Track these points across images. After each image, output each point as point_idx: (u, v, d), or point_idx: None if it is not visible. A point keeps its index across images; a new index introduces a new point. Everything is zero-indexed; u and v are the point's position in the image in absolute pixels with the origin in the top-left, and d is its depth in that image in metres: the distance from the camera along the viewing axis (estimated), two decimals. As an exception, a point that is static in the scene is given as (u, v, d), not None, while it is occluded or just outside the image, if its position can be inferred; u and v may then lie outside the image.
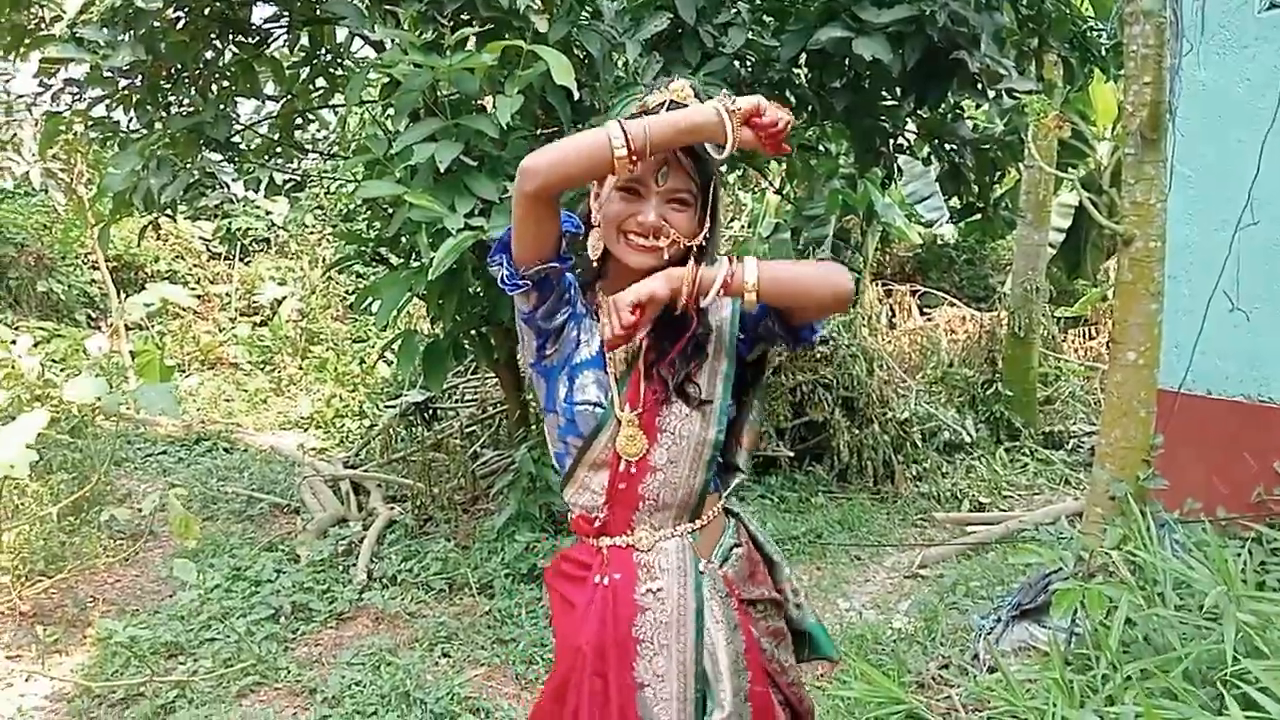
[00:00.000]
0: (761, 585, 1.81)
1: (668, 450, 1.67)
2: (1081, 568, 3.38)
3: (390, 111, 3.79)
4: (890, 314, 8.98)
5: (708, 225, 1.66)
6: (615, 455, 1.67)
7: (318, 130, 7.13)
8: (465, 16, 3.59)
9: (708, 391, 1.68)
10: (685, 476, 1.69)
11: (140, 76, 4.36)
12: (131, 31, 3.69)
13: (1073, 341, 9.42)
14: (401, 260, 4.67)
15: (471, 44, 3.46)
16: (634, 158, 1.49)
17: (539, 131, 4.00)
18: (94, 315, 10.68)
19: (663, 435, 1.67)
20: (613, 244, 1.63)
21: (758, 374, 1.81)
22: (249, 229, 11.98)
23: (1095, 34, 5.11)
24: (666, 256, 1.60)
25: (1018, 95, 4.51)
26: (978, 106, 5.26)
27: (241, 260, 11.92)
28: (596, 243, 1.66)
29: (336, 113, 6.50)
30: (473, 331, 4.62)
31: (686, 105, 1.59)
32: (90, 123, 4.52)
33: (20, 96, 7.87)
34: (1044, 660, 3.50)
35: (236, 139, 4.93)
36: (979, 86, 4.47)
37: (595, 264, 1.69)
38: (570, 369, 1.69)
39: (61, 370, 7.35)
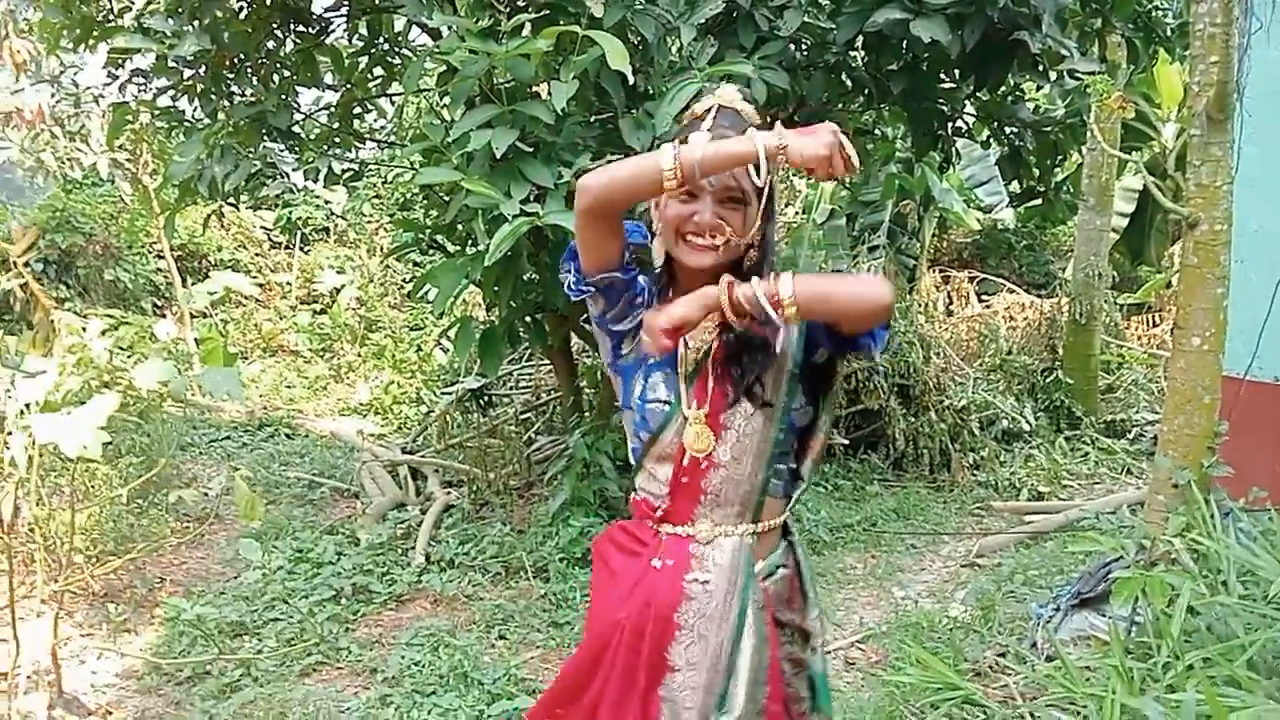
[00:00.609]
0: (796, 612, 1.83)
1: (731, 448, 1.71)
2: (1143, 556, 3.33)
3: (447, 99, 3.83)
4: (948, 301, 8.86)
5: (760, 223, 1.69)
6: (681, 449, 1.72)
7: (376, 119, 7.23)
8: (521, 3, 3.62)
9: (772, 393, 1.72)
10: (748, 474, 1.73)
11: (204, 66, 4.45)
12: (196, 22, 3.77)
13: (1136, 328, 9.23)
14: (458, 247, 4.72)
15: (527, 30, 3.47)
16: (683, 185, 1.57)
17: (594, 117, 4.02)
18: (159, 303, 10.91)
19: (727, 433, 1.71)
20: (672, 246, 1.69)
21: (828, 379, 1.82)
22: (308, 218, 12.16)
23: (1160, 13, 4.99)
24: (722, 255, 1.66)
25: (1080, 76, 4.42)
26: (1038, 88, 5.16)
27: (301, 249, 12.11)
28: (659, 249, 1.72)
29: (394, 101, 6.57)
30: (527, 318, 4.66)
31: (735, 109, 1.67)
32: (156, 112, 4.62)
33: (89, 88, 8.07)
34: (1103, 649, 3.45)
35: (297, 128, 5.01)
36: (1040, 68, 4.39)
37: (660, 269, 1.75)
38: (645, 369, 1.76)
39: (129, 357, 7.52)
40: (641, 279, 1.77)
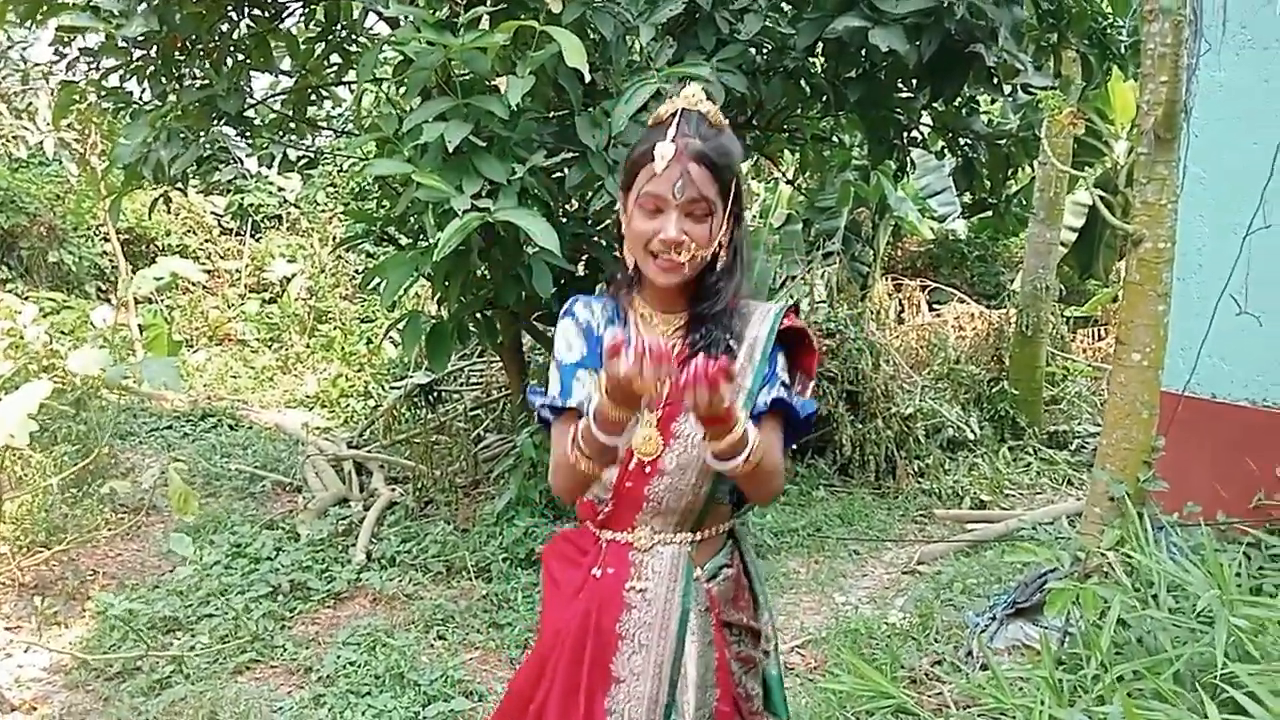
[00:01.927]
0: (743, 611, 1.81)
1: (678, 456, 1.68)
2: (1077, 568, 3.37)
3: (403, 89, 3.79)
4: (899, 309, 8.94)
5: (724, 229, 1.66)
6: (629, 453, 1.66)
7: (333, 107, 7.13)
8: (479, -4, 3.58)
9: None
10: (691, 484, 1.69)
11: (155, 47, 4.35)
12: (145, 2, 3.68)
13: (1082, 341, 9.38)
14: (409, 240, 4.67)
15: (485, 23, 3.43)
16: (595, 462, 1.56)
17: (550, 114, 3.99)
18: (104, 287, 10.69)
19: (675, 441, 1.68)
20: (641, 262, 1.67)
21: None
22: (260, 205, 11.98)
23: (1115, 31, 5.07)
24: (689, 270, 1.64)
25: (1033, 91, 4.48)
26: (993, 101, 5.22)
27: (252, 236, 11.93)
28: (628, 256, 1.70)
29: (351, 89, 6.49)
30: (477, 314, 4.62)
31: (698, 111, 1.64)
32: (104, 93, 4.52)
33: (37, 65, 7.88)
34: (1036, 659, 3.50)
35: (250, 113, 4.92)
36: (995, 81, 4.44)
37: (630, 273, 1.73)
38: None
39: (70, 342, 7.36)
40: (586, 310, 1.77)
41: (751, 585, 1.85)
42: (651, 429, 1.66)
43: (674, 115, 1.63)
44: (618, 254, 1.76)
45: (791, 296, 7.38)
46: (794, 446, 1.83)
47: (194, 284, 10.83)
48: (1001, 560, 4.70)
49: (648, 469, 1.68)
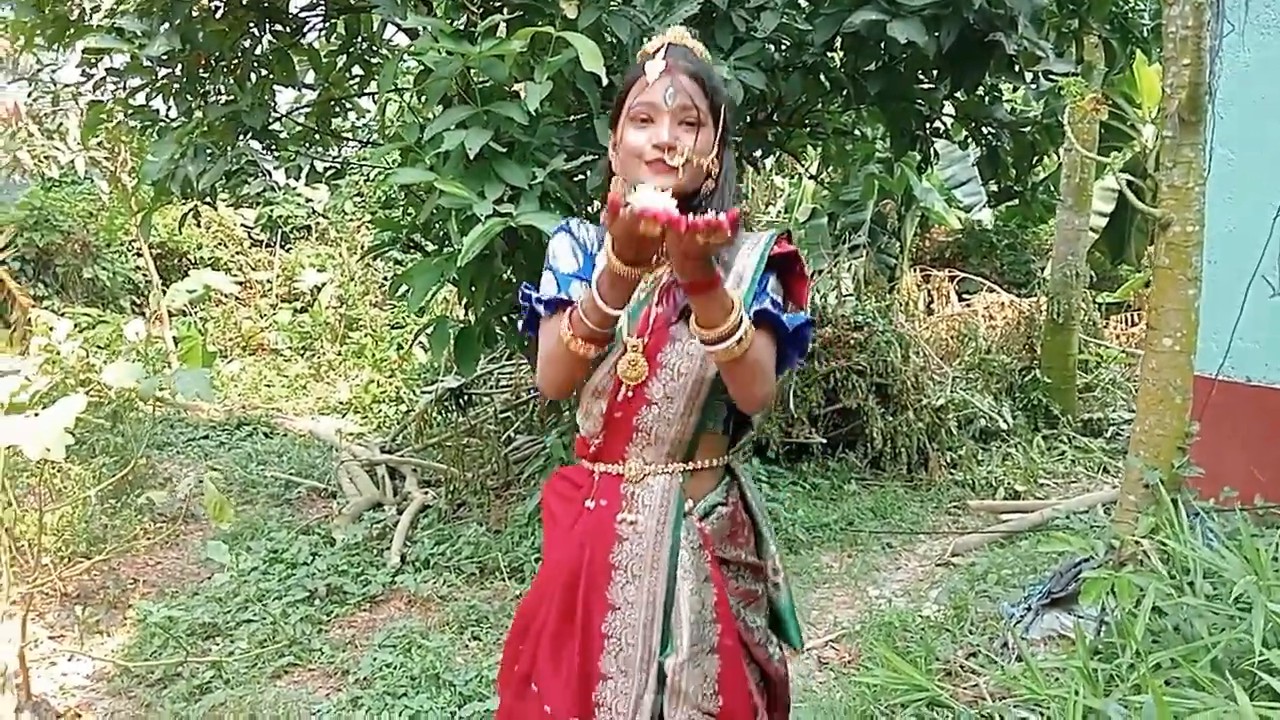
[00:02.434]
0: (741, 548, 1.82)
1: (664, 385, 1.71)
2: (1112, 556, 3.35)
3: (424, 99, 3.81)
4: (928, 299, 8.89)
5: (716, 148, 1.70)
6: (616, 383, 1.71)
7: (357, 118, 7.19)
8: (496, 4, 3.60)
9: None
10: (679, 414, 1.72)
11: (179, 66, 4.42)
12: (167, 23, 3.74)
13: (1115, 327, 9.29)
14: (435, 247, 4.70)
15: (502, 31, 3.46)
16: (588, 342, 1.61)
17: (569, 118, 4.01)
18: (138, 301, 10.85)
19: (662, 370, 1.70)
20: (635, 174, 1.69)
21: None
22: (289, 216, 12.11)
23: (1137, 14, 5.01)
24: (683, 177, 1.66)
25: (1055, 77, 4.43)
26: (1015, 89, 5.18)
27: (282, 247, 12.06)
28: (620, 190, 1.71)
29: (375, 100, 6.54)
30: (504, 317, 4.64)
31: (685, 45, 1.72)
32: (131, 111, 4.59)
33: (66, 86, 8.00)
34: (1072, 649, 3.48)
35: (275, 127, 4.98)
36: (1016, 69, 4.40)
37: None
38: None
39: (106, 356, 7.49)
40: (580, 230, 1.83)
41: (754, 521, 1.86)
42: (637, 354, 1.69)
43: (660, 50, 1.70)
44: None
45: (819, 290, 7.37)
46: (799, 358, 1.82)
47: (226, 296, 10.97)
48: (1036, 550, 4.68)
49: (635, 400, 1.71)
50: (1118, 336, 9.09)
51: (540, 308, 1.74)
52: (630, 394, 1.71)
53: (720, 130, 1.71)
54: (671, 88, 1.66)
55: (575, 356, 1.63)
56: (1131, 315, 9.47)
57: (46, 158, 9.21)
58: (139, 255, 10.37)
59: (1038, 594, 3.73)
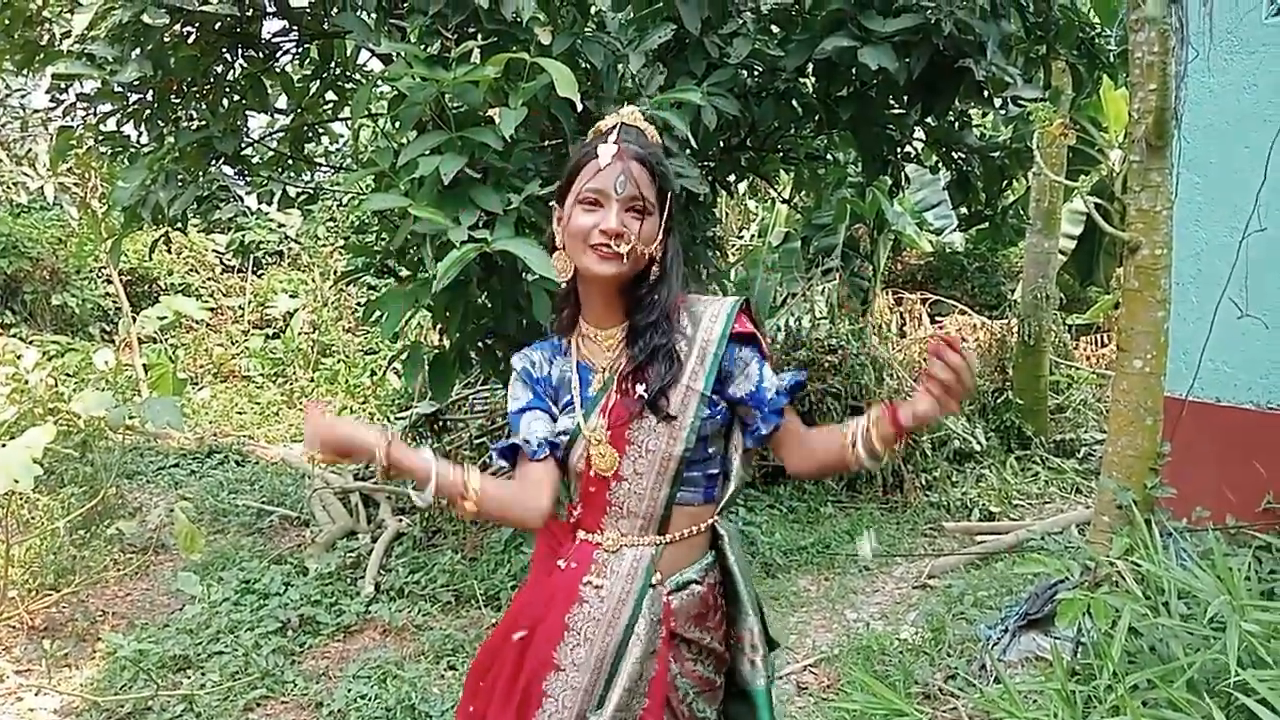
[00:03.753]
0: (709, 631, 1.81)
1: (634, 463, 1.74)
2: (1087, 577, 3.36)
3: (398, 124, 3.81)
4: (901, 322, 8.94)
5: (661, 236, 1.73)
6: (587, 463, 1.76)
7: (330, 144, 7.17)
8: (470, 30, 3.60)
9: (677, 407, 1.73)
10: (649, 489, 1.75)
11: (150, 91, 4.38)
12: (139, 48, 3.71)
13: (1084, 349, 9.38)
14: (409, 273, 4.68)
15: (476, 57, 3.46)
16: (387, 470, 1.65)
17: (544, 143, 4.01)
18: (108, 329, 10.74)
19: (630, 448, 1.74)
20: (580, 257, 1.71)
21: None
22: (262, 242, 12.04)
23: (1103, 40, 5.08)
24: (627, 264, 1.69)
25: (1024, 103, 4.49)
26: (984, 115, 5.23)
27: (254, 273, 11.98)
28: (563, 265, 1.75)
29: (349, 126, 6.52)
30: (479, 343, 4.63)
31: (637, 127, 1.76)
32: (101, 137, 4.55)
33: (36, 111, 7.95)
34: (1049, 670, 3.48)
35: (248, 152, 4.95)
36: (985, 94, 4.45)
37: (566, 288, 1.82)
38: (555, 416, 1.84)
39: (74, 384, 7.39)
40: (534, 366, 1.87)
41: (736, 591, 1.84)
42: (604, 444, 1.74)
43: (614, 127, 1.74)
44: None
45: (793, 314, 7.39)
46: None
47: (197, 322, 10.87)
48: (1012, 571, 4.69)
49: (608, 478, 1.75)
50: (1088, 358, 9.17)
51: (501, 460, 1.82)
52: (597, 477, 1.77)
53: (665, 217, 1.73)
54: (623, 175, 1.68)
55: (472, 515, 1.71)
56: (1101, 336, 9.56)
57: (15, 184, 9.12)
58: (109, 282, 10.28)
59: (1014, 616, 3.74)
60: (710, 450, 1.79)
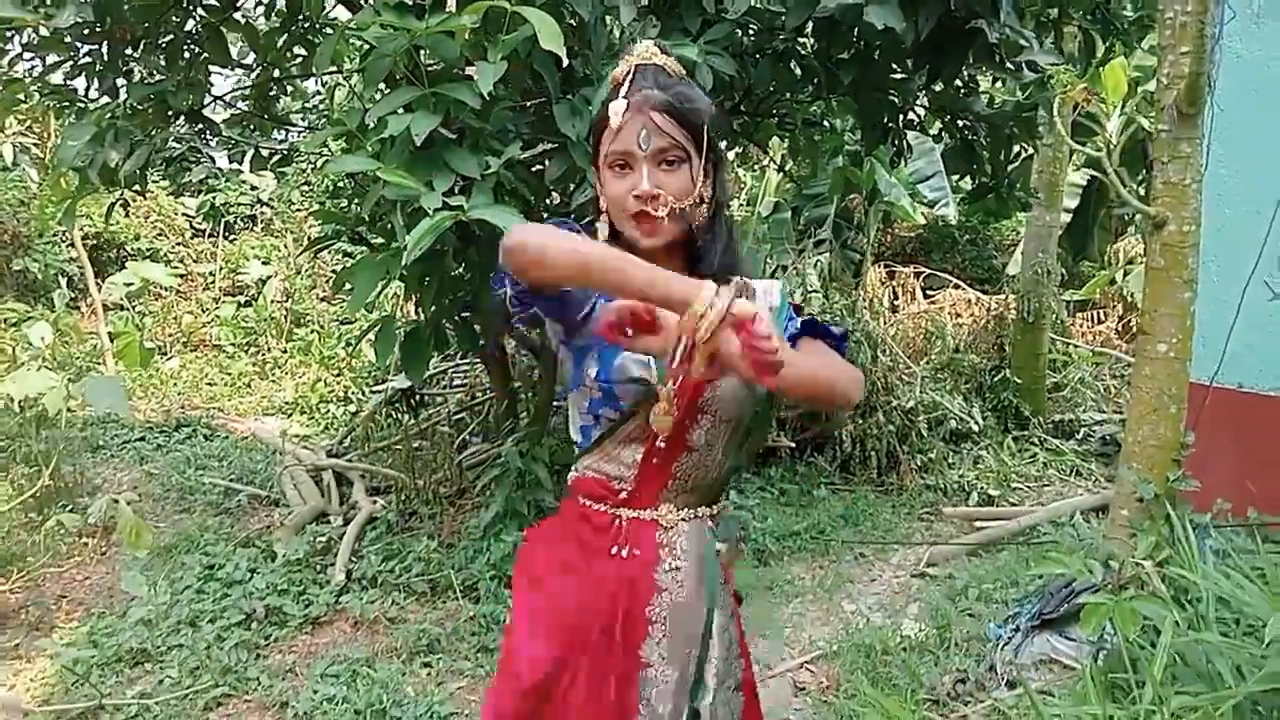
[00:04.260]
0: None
1: (707, 432, 1.63)
2: (1110, 578, 3.14)
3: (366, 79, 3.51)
4: (893, 296, 8.69)
5: (704, 180, 1.57)
6: (651, 432, 1.59)
7: (302, 102, 6.83)
8: (446, -24, 3.31)
9: None
10: (718, 459, 1.67)
11: (101, 41, 4.06)
12: (81, -8, 3.40)
13: (1081, 326, 9.16)
14: (382, 241, 4.39)
15: (452, 5, 3.16)
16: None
17: (526, 103, 3.72)
18: (74, 295, 10.36)
19: (703, 416, 1.62)
20: (622, 225, 1.58)
21: None
22: (233, 205, 11.65)
23: (1118, 4, 4.82)
24: (670, 225, 1.54)
25: (1039, 68, 4.23)
26: (994, 81, 4.97)
27: (226, 238, 11.60)
28: (603, 229, 1.60)
29: (321, 83, 6.18)
30: (456, 317, 4.35)
31: (654, 64, 1.55)
32: (47, 91, 4.22)
33: (-11, 67, 7.56)
34: (1068, 675, 3.27)
35: (209, 110, 4.64)
36: (997, 59, 4.18)
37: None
38: (604, 348, 1.58)
39: (32, 354, 7.05)
40: None
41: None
42: (670, 404, 1.51)
43: (628, 73, 1.55)
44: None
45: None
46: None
47: (166, 289, 10.50)
48: (1018, 562, 4.48)
49: (674, 443, 1.61)
50: (1085, 335, 8.96)
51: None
52: (669, 441, 1.60)
53: (706, 156, 1.56)
54: (645, 129, 1.51)
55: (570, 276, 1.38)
56: (1098, 313, 9.35)
57: (-32, 144, 8.74)
58: (72, 246, 9.90)
59: (1026, 614, 3.53)
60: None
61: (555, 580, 1.67)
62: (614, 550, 1.64)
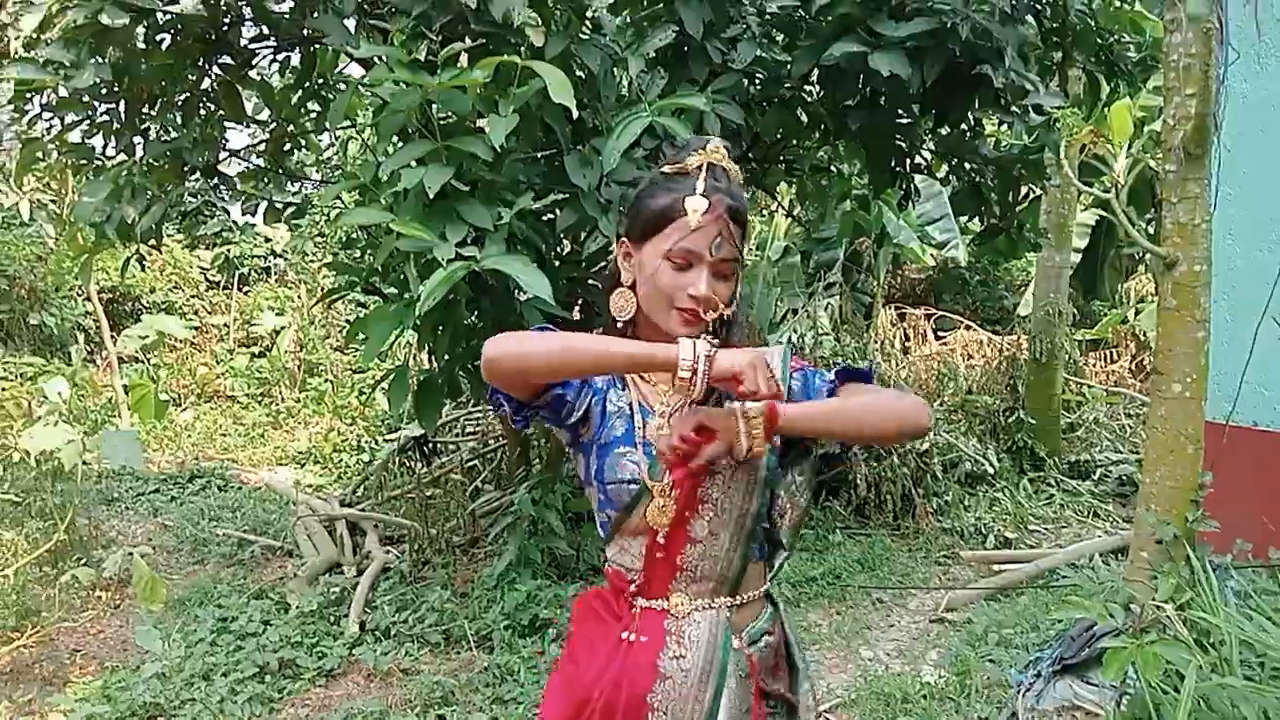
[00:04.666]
0: (780, 682, 1.72)
1: (709, 522, 1.61)
2: (1131, 621, 3.10)
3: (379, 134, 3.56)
4: (904, 338, 8.69)
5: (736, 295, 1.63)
6: (649, 524, 1.61)
7: (318, 156, 6.91)
8: (457, 32, 3.36)
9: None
10: (726, 549, 1.63)
11: (119, 101, 4.13)
12: (98, 53, 3.45)
13: (1093, 365, 9.13)
14: (395, 291, 4.42)
15: (464, 61, 3.21)
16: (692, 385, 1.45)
17: (537, 154, 3.76)
18: (90, 349, 10.44)
19: (704, 506, 1.61)
20: (660, 315, 1.58)
21: (804, 449, 1.73)
22: (247, 256, 11.76)
23: (1122, 46, 4.86)
24: (707, 323, 1.57)
25: (1045, 111, 4.26)
26: (1001, 124, 5.00)
27: (240, 290, 11.70)
28: (625, 303, 1.62)
29: (337, 138, 6.26)
30: (469, 366, 4.36)
31: (724, 167, 1.60)
32: (65, 149, 4.29)
33: (8, 125, 7.67)
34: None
35: (225, 166, 4.70)
36: (1003, 102, 4.21)
37: (622, 325, 1.64)
38: (600, 447, 1.64)
39: (49, 409, 7.10)
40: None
41: (790, 655, 1.76)
42: (667, 499, 1.58)
43: (700, 168, 1.58)
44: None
45: (795, 330, 7.15)
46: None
47: (180, 341, 10.57)
48: (1038, 606, 4.42)
49: (675, 536, 1.60)
50: (1097, 375, 8.93)
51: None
52: (669, 534, 1.60)
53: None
54: (719, 238, 1.55)
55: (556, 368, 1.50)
56: (1110, 352, 9.32)
57: (-13, 200, 8.86)
58: (88, 300, 9.99)
59: (1047, 660, 3.48)
60: (769, 511, 1.68)
61: (583, 653, 1.69)
62: (624, 635, 1.64)
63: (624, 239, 1.64)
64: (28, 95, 4.28)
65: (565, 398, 1.58)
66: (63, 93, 4.03)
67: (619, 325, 1.64)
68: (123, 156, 4.28)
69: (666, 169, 1.62)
